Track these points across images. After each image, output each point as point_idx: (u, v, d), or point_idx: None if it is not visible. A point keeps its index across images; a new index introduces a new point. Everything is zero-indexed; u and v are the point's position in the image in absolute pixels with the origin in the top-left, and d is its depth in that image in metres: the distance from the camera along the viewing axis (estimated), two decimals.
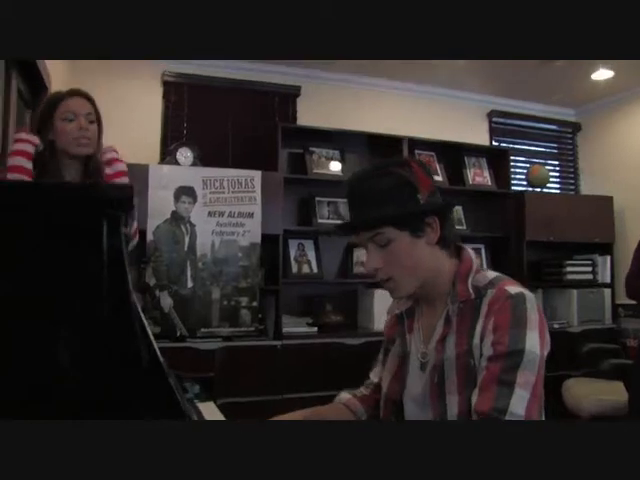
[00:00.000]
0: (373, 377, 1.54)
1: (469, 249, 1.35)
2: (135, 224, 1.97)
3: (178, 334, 3.45)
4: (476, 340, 1.20)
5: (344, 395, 1.53)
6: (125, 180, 2.09)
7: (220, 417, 1.65)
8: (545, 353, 1.18)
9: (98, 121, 2.00)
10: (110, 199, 0.95)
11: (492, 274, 1.27)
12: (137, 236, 2.01)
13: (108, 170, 2.05)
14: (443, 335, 1.26)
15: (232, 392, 3.37)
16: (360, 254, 4.18)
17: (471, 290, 1.24)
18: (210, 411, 1.70)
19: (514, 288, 1.21)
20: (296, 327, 3.82)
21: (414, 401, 1.33)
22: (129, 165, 3.37)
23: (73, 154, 1.95)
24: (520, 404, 1.11)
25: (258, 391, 3.48)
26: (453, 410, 1.21)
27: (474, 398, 1.16)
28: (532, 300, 1.19)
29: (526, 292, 1.21)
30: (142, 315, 1.22)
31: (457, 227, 4.36)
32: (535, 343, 1.14)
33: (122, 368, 0.92)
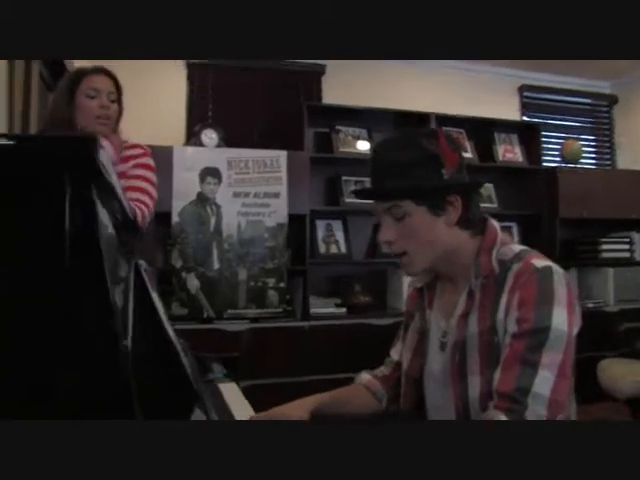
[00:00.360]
0: (394, 354, 1.49)
1: (494, 221, 1.28)
2: (144, 210, 1.92)
3: (205, 316, 3.45)
4: (500, 316, 1.14)
5: (364, 376, 1.48)
6: (146, 174, 2.02)
7: (241, 398, 1.62)
8: (575, 331, 1.12)
9: (119, 101, 1.98)
10: (59, 155, 0.67)
11: (519, 247, 1.20)
12: (146, 219, 1.95)
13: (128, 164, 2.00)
14: (465, 311, 1.21)
15: (259, 374, 3.36)
16: None
17: (495, 264, 1.18)
18: (231, 392, 1.68)
19: (541, 262, 1.14)
20: (324, 308, 3.79)
21: (434, 380, 1.28)
22: (153, 147, 3.40)
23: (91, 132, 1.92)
24: (545, 385, 1.05)
25: (285, 373, 3.46)
26: (475, 391, 1.16)
27: (496, 377, 1.10)
28: (560, 274, 1.13)
29: (554, 266, 1.14)
30: (156, 299, 1.19)
31: (487, 205, 4.27)
32: (562, 320, 1.08)
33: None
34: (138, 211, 1.90)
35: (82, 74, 1.89)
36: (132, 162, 1.99)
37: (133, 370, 0.91)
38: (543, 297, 1.09)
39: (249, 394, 3.25)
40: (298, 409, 1.30)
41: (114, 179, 0.75)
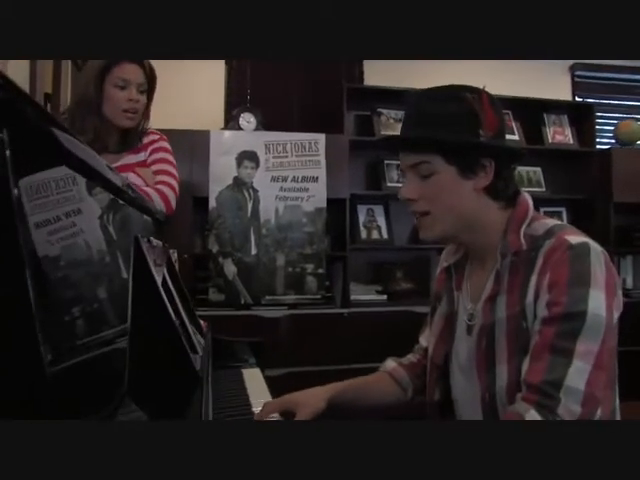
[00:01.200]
0: (422, 341, 1.40)
1: (527, 194, 1.18)
2: (169, 192, 1.87)
3: (242, 302, 3.40)
4: (529, 298, 1.04)
5: (389, 363, 1.40)
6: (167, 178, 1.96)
7: (262, 383, 1.56)
8: (615, 317, 1.00)
9: (151, 92, 1.93)
10: None
11: (552, 222, 1.10)
12: (172, 201, 1.90)
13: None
14: (492, 294, 1.11)
15: (297, 361, 3.31)
16: None
17: (523, 240, 1.08)
18: (253, 378, 1.61)
19: (576, 237, 1.03)
20: (364, 295, 3.70)
21: (460, 369, 1.19)
22: (189, 132, 3.38)
23: (118, 125, 1.88)
24: (579, 377, 0.94)
25: (324, 360, 3.38)
26: (502, 381, 1.06)
27: (524, 367, 1.00)
28: (598, 252, 1.02)
29: (591, 242, 1.03)
30: (156, 276, 1.14)
31: (536, 189, 4.10)
32: (600, 305, 0.97)
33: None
34: (165, 193, 1.86)
35: (113, 62, 1.82)
36: (150, 148, 1.94)
37: (131, 352, 0.85)
38: (577, 277, 0.98)
39: (285, 382, 3.21)
40: (313, 397, 1.23)
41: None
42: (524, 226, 1.10)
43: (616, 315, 1.01)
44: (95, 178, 0.89)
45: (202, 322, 1.76)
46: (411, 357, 1.41)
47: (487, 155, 1.11)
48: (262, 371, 1.71)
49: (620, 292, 1.03)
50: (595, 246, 1.02)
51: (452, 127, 1.09)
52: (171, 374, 0.97)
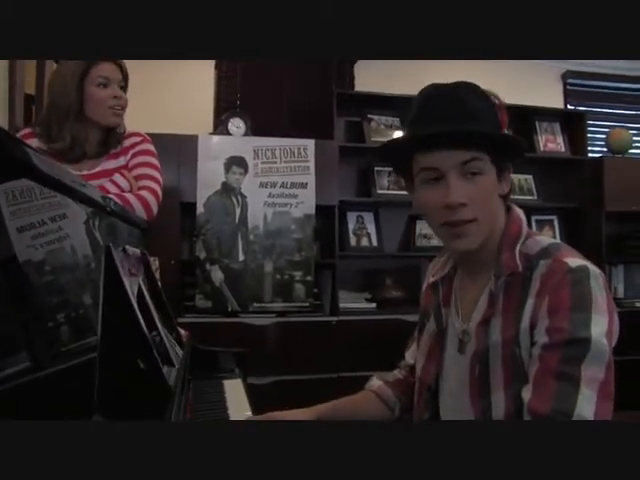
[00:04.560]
0: (408, 358, 1.34)
1: (518, 208, 1.11)
2: (150, 197, 1.81)
3: (229, 309, 3.35)
4: (524, 323, 0.98)
5: (375, 382, 1.33)
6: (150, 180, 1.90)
7: (242, 396, 1.50)
8: (613, 343, 0.94)
9: (125, 91, 1.88)
10: None
11: (546, 240, 1.04)
12: (153, 207, 1.84)
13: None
14: (486, 317, 1.04)
15: (285, 369, 3.27)
16: (424, 227, 3.95)
17: (519, 261, 1.02)
18: (234, 390, 1.56)
19: (575, 260, 0.97)
20: (353, 302, 3.66)
21: (451, 392, 1.12)
22: (177, 137, 3.33)
23: (105, 124, 1.83)
24: (588, 406, 0.89)
25: (313, 369, 3.35)
26: (499, 409, 1.00)
27: (526, 395, 0.94)
28: (598, 275, 0.96)
29: (590, 265, 0.97)
30: (127, 285, 1.10)
31: (527, 197, 4.10)
32: (602, 330, 0.92)
33: None
34: (146, 198, 1.81)
35: (90, 63, 1.78)
36: (131, 152, 1.88)
37: (100, 365, 0.81)
38: (580, 303, 0.93)
39: (273, 390, 3.16)
40: (301, 416, 1.17)
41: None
42: (519, 245, 1.04)
43: (613, 342, 0.95)
44: (72, 196, 0.87)
45: (183, 332, 1.70)
46: (397, 373, 1.35)
47: (513, 158, 1.06)
48: (245, 383, 1.65)
49: (616, 317, 0.97)
50: (594, 269, 0.97)
51: (492, 124, 1.02)
52: (141, 388, 0.93)
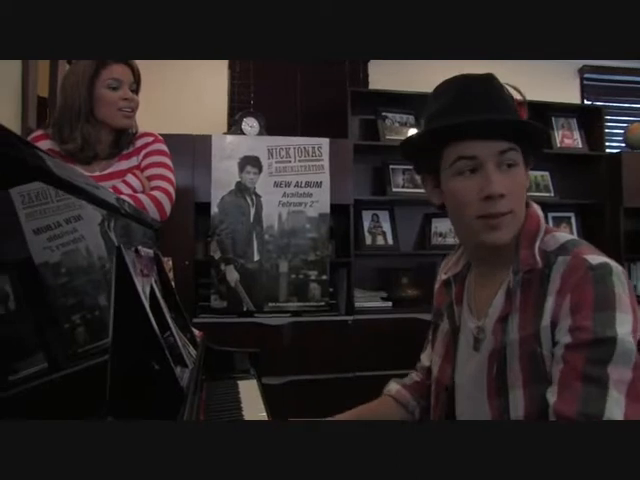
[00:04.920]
0: (424, 360, 1.32)
1: (535, 205, 1.10)
2: (163, 197, 1.81)
3: (245, 309, 3.34)
4: (545, 321, 0.96)
5: (393, 386, 1.32)
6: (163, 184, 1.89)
7: (258, 397, 1.49)
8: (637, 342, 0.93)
9: (137, 92, 1.88)
10: None
11: (564, 236, 1.02)
12: (166, 206, 1.83)
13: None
14: (504, 313, 1.02)
15: (300, 369, 3.26)
16: (440, 225, 3.92)
17: (538, 257, 1.00)
18: (249, 391, 1.55)
19: (595, 257, 0.95)
20: (369, 302, 3.64)
21: (467, 395, 1.10)
22: (191, 137, 3.33)
23: (115, 126, 1.83)
24: (618, 409, 0.86)
25: (328, 368, 3.33)
26: (518, 409, 0.97)
27: (551, 397, 0.91)
28: (620, 273, 0.94)
29: (612, 262, 0.95)
30: (139, 286, 1.10)
31: (544, 194, 4.04)
32: (628, 330, 0.90)
33: None
34: (158, 199, 1.80)
35: (101, 64, 1.78)
36: (143, 152, 1.88)
37: (112, 367, 0.81)
38: (603, 301, 0.91)
39: (289, 390, 3.15)
40: None
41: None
42: (538, 241, 1.02)
43: (638, 337, 0.93)
44: (86, 198, 0.87)
45: (197, 332, 1.69)
46: (414, 376, 1.34)
47: (538, 150, 1.08)
48: (259, 383, 1.64)
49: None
50: (616, 265, 0.95)
51: (519, 115, 1.04)
52: (154, 390, 0.92)
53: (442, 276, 1.22)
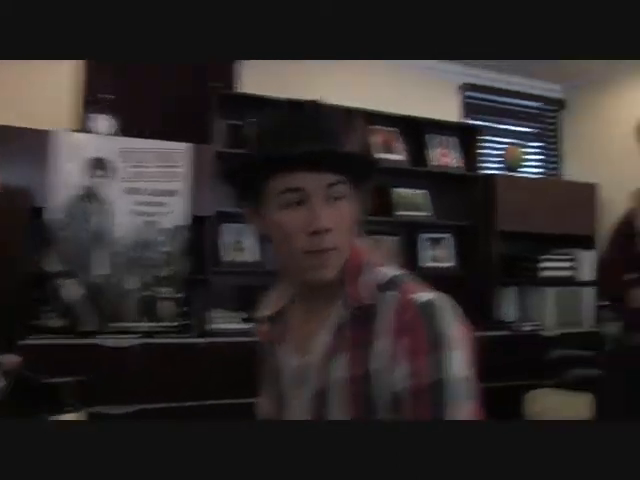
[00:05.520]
0: (263, 406, 1.22)
1: (361, 236, 1.06)
2: None
3: (86, 329, 3.03)
4: (376, 364, 0.92)
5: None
6: None
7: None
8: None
9: None
10: None
11: (391, 271, 1.00)
12: None
13: None
14: (331, 351, 0.98)
15: (148, 397, 2.97)
16: None
17: (362, 293, 0.97)
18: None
19: (422, 294, 0.95)
20: (227, 323, 3.38)
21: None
22: (26, 131, 2.95)
23: None
24: None
25: (177, 396, 3.05)
26: None
27: None
28: (444, 307, 0.94)
29: (436, 298, 0.94)
30: None
31: (422, 213, 3.95)
32: (462, 365, 0.91)
33: None
34: None
35: None
36: None
37: None
38: (434, 342, 0.91)
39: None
40: None
41: None
42: (361, 276, 0.99)
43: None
44: None
45: (13, 359, 1.46)
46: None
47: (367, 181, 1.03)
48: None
49: (472, 336, 0.95)
50: (440, 300, 0.94)
51: (352, 145, 1.01)
52: None
53: (265, 312, 1.16)
